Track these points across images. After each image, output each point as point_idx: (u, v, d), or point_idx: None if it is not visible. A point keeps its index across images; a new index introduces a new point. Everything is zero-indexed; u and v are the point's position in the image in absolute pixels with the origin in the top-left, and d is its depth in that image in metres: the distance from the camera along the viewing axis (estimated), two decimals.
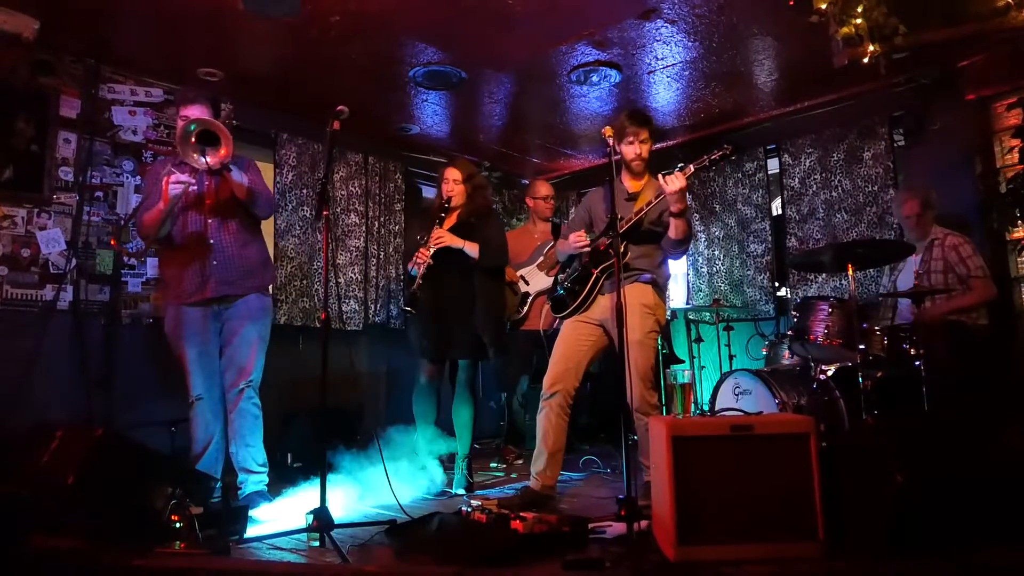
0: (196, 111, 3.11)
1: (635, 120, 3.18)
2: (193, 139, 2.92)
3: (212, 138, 2.92)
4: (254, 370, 3.19)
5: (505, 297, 4.14)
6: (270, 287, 3.39)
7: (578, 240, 3.20)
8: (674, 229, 3.04)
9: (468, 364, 3.73)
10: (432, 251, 3.52)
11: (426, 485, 3.56)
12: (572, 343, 3.21)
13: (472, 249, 3.59)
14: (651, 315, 3.13)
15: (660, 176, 2.95)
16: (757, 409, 3.83)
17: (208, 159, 2.91)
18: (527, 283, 4.67)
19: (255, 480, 3.18)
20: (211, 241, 3.15)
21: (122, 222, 4.14)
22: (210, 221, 3.16)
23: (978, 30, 3.24)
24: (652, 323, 3.13)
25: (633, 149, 3.17)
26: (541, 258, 4.63)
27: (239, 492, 3.19)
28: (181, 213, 3.16)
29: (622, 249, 2.94)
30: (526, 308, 4.64)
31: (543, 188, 4.87)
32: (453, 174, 3.72)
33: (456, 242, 3.56)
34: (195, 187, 3.06)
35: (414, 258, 3.59)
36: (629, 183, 3.27)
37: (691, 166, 2.94)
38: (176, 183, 2.96)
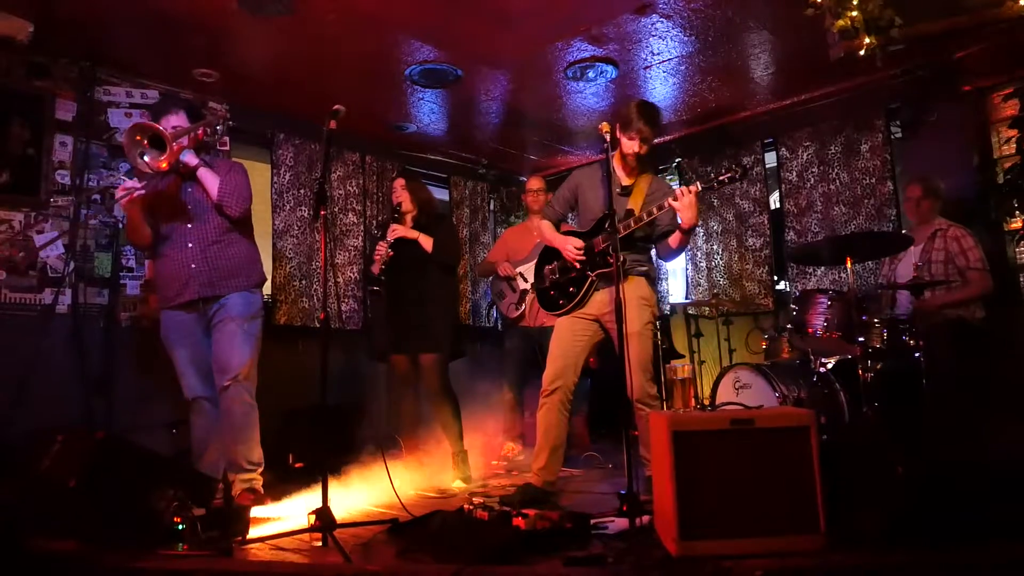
0: (173, 120, 3.14)
1: (646, 118, 3.05)
2: (143, 140, 2.93)
3: (161, 145, 2.95)
4: (238, 367, 3.13)
5: (458, 300, 4.42)
6: (260, 285, 3.36)
7: (576, 252, 3.16)
8: (677, 241, 3.07)
9: (433, 361, 3.80)
10: (391, 242, 3.86)
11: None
12: (569, 340, 3.20)
13: (426, 242, 3.87)
14: (648, 307, 3.15)
15: (676, 192, 2.93)
16: (757, 403, 3.84)
17: (147, 159, 2.93)
18: (526, 280, 4.66)
19: (243, 479, 3.14)
20: (189, 245, 3.16)
21: (120, 225, 4.14)
22: (189, 226, 3.17)
23: (974, 21, 3.24)
24: (649, 315, 3.15)
25: (633, 146, 3.09)
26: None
27: (232, 492, 3.16)
28: (163, 219, 3.18)
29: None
30: (525, 305, 4.63)
31: (533, 182, 4.88)
32: (400, 183, 4.06)
33: (410, 233, 3.89)
34: (141, 191, 3.07)
35: (375, 253, 3.90)
36: (623, 175, 3.23)
37: (699, 184, 2.92)
38: (123, 189, 3.05)
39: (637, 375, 3.00)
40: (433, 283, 3.90)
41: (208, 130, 3.34)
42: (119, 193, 3.05)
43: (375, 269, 3.91)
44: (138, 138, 2.93)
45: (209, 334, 3.21)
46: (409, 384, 3.94)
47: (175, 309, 3.17)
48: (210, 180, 3.12)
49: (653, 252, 3.33)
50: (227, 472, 3.17)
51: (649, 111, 3.09)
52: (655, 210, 3.00)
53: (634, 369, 2.98)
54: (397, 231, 3.88)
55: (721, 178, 2.91)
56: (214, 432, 3.18)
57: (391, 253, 3.85)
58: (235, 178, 3.21)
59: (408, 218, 3.96)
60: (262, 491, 3.17)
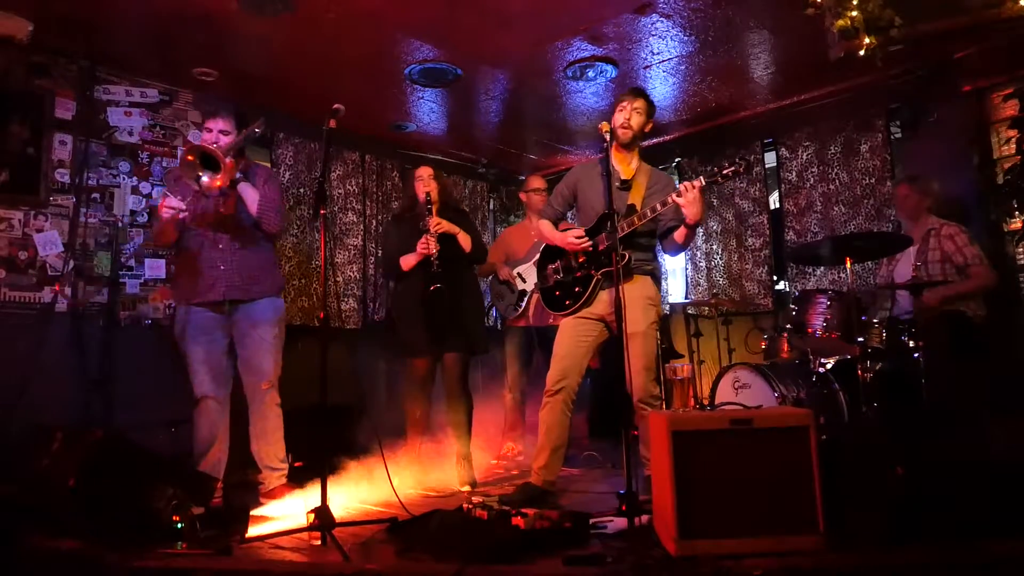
0: (221, 124, 3.16)
1: (636, 92, 3.15)
2: (194, 159, 2.93)
3: (214, 163, 2.95)
4: (271, 371, 3.25)
5: (482, 294, 4.27)
6: (282, 290, 3.46)
7: (580, 242, 3.15)
8: (683, 236, 3.06)
9: (459, 361, 3.73)
10: (437, 235, 3.59)
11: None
12: (574, 340, 3.19)
13: (465, 240, 3.71)
14: (653, 307, 3.14)
15: (680, 188, 2.92)
16: (757, 403, 3.84)
17: (205, 180, 2.94)
18: (524, 280, 4.64)
19: (277, 476, 3.28)
20: (220, 246, 3.19)
21: (119, 223, 4.15)
22: (221, 230, 3.20)
23: (974, 21, 3.24)
24: (654, 314, 3.14)
25: (623, 115, 3.10)
26: (538, 255, 4.61)
27: (261, 488, 3.27)
28: (194, 220, 3.20)
29: (620, 250, 2.88)
30: (524, 305, 4.61)
31: (534, 181, 4.86)
32: (427, 171, 3.81)
33: (453, 229, 3.67)
34: (185, 213, 3.09)
35: (420, 246, 3.61)
36: (621, 167, 3.19)
37: (703, 179, 2.90)
38: (168, 208, 3.05)
39: (641, 375, 3.00)
40: (468, 281, 3.80)
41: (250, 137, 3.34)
42: (166, 214, 3.04)
43: (411, 263, 3.64)
44: (190, 158, 2.93)
45: (228, 335, 3.24)
46: (426, 389, 3.77)
47: (197, 306, 3.18)
48: (250, 195, 3.16)
49: (658, 248, 3.32)
50: (260, 470, 3.29)
51: (639, 89, 3.20)
52: (658, 206, 2.98)
53: (638, 369, 2.99)
54: (442, 225, 3.62)
55: (725, 172, 2.88)
56: (218, 431, 3.21)
57: (439, 247, 3.57)
58: (272, 192, 3.26)
59: (434, 210, 3.71)
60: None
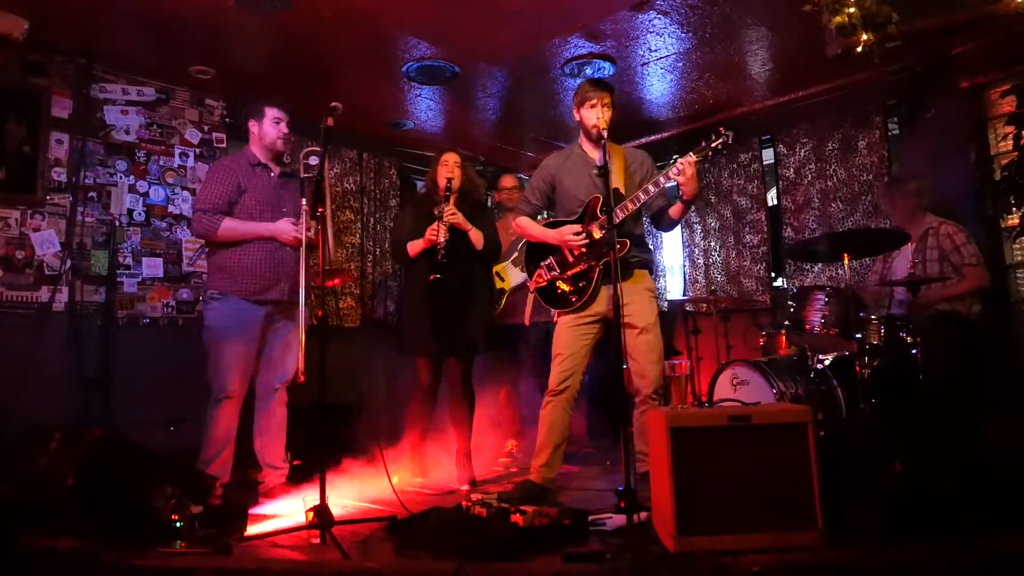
0: (287, 117, 3.37)
1: (597, 85, 3.17)
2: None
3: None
4: (293, 371, 3.27)
5: (491, 292, 4.22)
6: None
7: (578, 239, 3.12)
8: (680, 211, 3.10)
9: (462, 362, 3.70)
10: (448, 225, 3.50)
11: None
12: (575, 339, 3.17)
13: (477, 237, 3.63)
14: (655, 299, 3.18)
15: (675, 168, 2.92)
16: (755, 399, 3.84)
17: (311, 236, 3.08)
18: (501, 279, 4.61)
19: (277, 475, 3.29)
20: (288, 248, 3.25)
21: (117, 222, 4.14)
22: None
23: (972, 17, 3.23)
24: (656, 306, 3.17)
25: (595, 113, 3.10)
26: (515, 254, 4.57)
27: (261, 487, 3.27)
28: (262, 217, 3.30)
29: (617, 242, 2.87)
30: (502, 304, 4.57)
31: (507, 180, 4.85)
32: (453, 158, 3.73)
33: (465, 225, 3.59)
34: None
35: (427, 233, 3.53)
36: (595, 154, 3.17)
37: (692, 154, 2.92)
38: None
39: (655, 367, 3.03)
40: (479, 280, 3.75)
41: None
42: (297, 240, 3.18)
43: (417, 249, 3.56)
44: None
45: (261, 335, 3.25)
46: (432, 393, 3.73)
47: (252, 303, 3.17)
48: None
49: (649, 239, 3.33)
50: (261, 469, 3.30)
51: (604, 83, 3.21)
52: (651, 188, 3.01)
53: (653, 361, 3.03)
54: (456, 216, 3.53)
55: (714, 144, 2.93)
56: (233, 433, 3.21)
57: (447, 236, 3.47)
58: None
59: (452, 199, 3.63)
60: None
